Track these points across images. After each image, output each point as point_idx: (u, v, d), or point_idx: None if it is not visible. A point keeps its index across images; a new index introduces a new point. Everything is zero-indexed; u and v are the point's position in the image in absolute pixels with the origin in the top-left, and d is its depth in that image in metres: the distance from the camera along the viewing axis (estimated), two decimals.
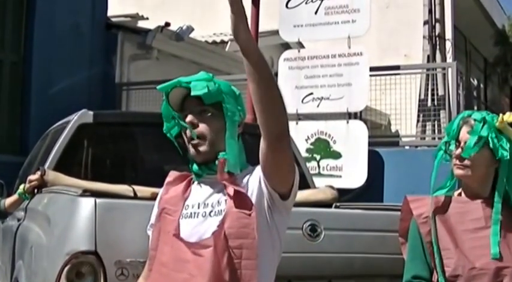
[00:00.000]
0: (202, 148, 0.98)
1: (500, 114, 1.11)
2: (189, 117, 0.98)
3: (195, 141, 0.98)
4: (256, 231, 0.93)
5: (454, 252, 1.06)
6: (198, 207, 0.99)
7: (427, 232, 1.09)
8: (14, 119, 4.22)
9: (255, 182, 0.97)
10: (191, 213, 0.99)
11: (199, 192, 1.01)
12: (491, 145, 1.08)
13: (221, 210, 0.96)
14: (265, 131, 0.90)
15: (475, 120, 1.12)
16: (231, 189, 0.96)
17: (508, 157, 1.09)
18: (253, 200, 0.96)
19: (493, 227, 1.07)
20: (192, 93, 0.97)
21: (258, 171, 0.97)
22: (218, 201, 0.98)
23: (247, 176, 0.99)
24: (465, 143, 1.10)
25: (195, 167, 1.01)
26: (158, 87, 1.01)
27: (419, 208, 1.11)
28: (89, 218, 1.34)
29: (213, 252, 0.92)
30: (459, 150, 1.11)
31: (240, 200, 0.96)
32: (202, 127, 0.98)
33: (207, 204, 0.99)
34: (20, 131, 4.21)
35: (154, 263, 0.99)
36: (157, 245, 0.99)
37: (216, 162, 0.97)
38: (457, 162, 1.10)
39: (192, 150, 0.99)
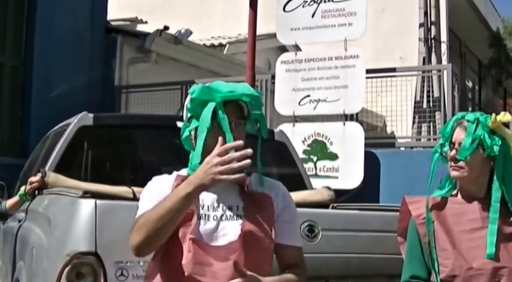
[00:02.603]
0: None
1: (493, 114, 1.12)
2: (235, 131, 0.98)
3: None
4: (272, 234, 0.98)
5: (452, 253, 1.07)
6: (208, 210, 1.00)
7: (425, 233, 1.10)
8: (14, 122, 4.24)
9: (278, 204, 1.01)
10: (204, 215, 0.99)
11: (209, 194, 1.01)
12: (484, 145, 1.09)
13: (238, 215, 0.98)
14: None
15: (468, 121, 1.12)
16: (250, 194, 0.99)
17: (501, 157, 1.09)
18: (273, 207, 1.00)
19: (489, 226, 1.07)
20: (253, 112, 1.00)
21: (280, 196, 1.02)
22: (231, 206, 0.99)
23: (262, 185, 1.02)
24: (459, 144, 1.11)
25: None
26: (222, 96, 0.97)
27: (417, 209, 1.13)
28: (89, 219, 1.35)
29: (239, 255, 0.94)
30: (453, 151, 1.12)
31: (259, 205, 0.99)
32: (239, 138, 0.98)
33: (217, 207, 1.00)
34: (20, 134, 4.22)
35: (165, 268, 0.97)
36: (167, 248, 0.97)
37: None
38: (452, 163, 1.11)
39: None
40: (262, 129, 1.03)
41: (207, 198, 1.02)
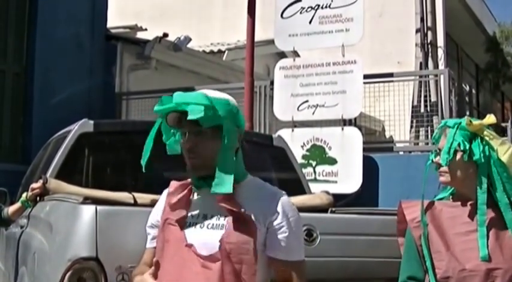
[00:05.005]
0: (198, 166, 1.01)
1: (466, 117, 1.14)
2: (188, 140, 1.00)
3: (192, 160, 1.01)
4: (256, 247, 0.97)
5: (445, 255, 1.08)
6: (198, 218, 1.01)
7: (419, 236, 1.11)
8: (16, 129, 4.27)
9: (262, 214, 0.99)
10: (190, 222, 1.01)
11: (199, 202, 1.03)
12: (462, 148, 1.11)
13: (222, 225, 0.99)
14: None
15: (449, 127, 1.16)
16: (230, 207, 0.99)
17: (482, 159, 1.11)
18: (255, 219, 0.99)
19: (479, 229, 1.09)
20: (189, 118, 0.98)
21: (272, 207, 0.99)
22: (218, 215, 1.00)
23: (255, 195, 1.02)
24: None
25: (194, 178, 1.03)
26: (156, 109, 1.02)
27: (412, 213, 1.15)
28: (90, 224, 1.37)
29: (221, 266, 0.95)
30: (437, 157, 1.15)
31: (240, 216, 0.98)
32: (199, 148, 1.00)
33: (206, 215, 1.01)
34: (22, 141, 4.24)
35: (161, 273, 0.99)
36: (161, 255, 1.01)
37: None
38: (439, 169, 1.15)
39: (189, 166, 1.02)
40: (223, 139, 0.99)
41: (197, 205, 1.03)
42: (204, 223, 1.00)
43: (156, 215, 1.08)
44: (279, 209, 1.02)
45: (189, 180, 1.07)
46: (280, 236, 1.01)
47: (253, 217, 1.00)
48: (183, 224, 1.01)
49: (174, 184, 1.07)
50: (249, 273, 0.97)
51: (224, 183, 0.99)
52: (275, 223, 1.01)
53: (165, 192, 1.10)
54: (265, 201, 1.02)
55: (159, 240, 1.03)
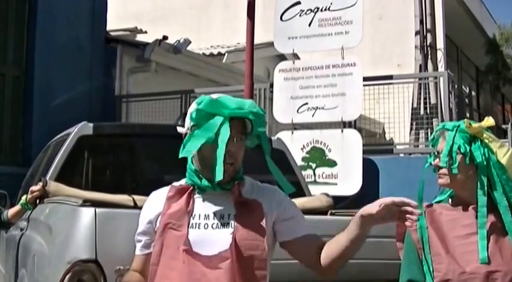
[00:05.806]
0: (232, 171, 1.02)
1: (465, 120, 1.15)
2: (234, 145, 1.01)
3: (230, 165, 1.01)
4: (266, 242, 0.98)
5: (445, 257, 1.09)
6: (199, 218, 1.01)
7: (418, 239, 1.13)
8: (16, 132, 4.29)
9: (269, 209, 1.02)
10: (193, 224, 1.00)
11: (201, 203, 1.03)
12: (462, 151, 1.12)
13: (228, 224, 0.99)
14: (328, 265, 1.02)
15: (447, 130, 1.16)
16: (241, 203, 1.00)
17: (483, 162, 1.11)
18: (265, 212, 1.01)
19: (479, 231, 1.09)
20: (258, 130, 1.03)
21: (274, 201, 1.03)
22: (222, 215, 1.00)
23: (255, 192, 1.04)
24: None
25: (205, 182, 1.02)
26: (228, 112, 1.01)
27: None
28: (89, 227, 1.37)
29: (231, 264, 0.95)
30: (437, 160, 1.16)
31: (250, 212, 0.99)
32: (237, 153, 1.03)
33: (209, 216, 1.01)
34: (22, 143, 4.26)
35: (157, 278, 0.99)
36: (159, 260, 1.00)
37: (231, 183, 1.01)
38: (438, 171, 1.15)
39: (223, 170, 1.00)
40: (264, 145, 1.06)
41: (198, 207, 1.03)
42: (208, 224, 1.00)
43: (148, 220, 1.06)
44: (280, 199, 1.06)
45: (186, 182, 1.06)
46: (289, 221, 1.04)
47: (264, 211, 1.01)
48: (186, 227, 1.00)
49: (173, 188, 1.06)
50: (260, 268, 0.98)
51: (288, 186, 1.06)
52: (281, 212, 1.04)
53: (156, 194, 1.08)
54: (267, 196, 1.04)
55: (157, 245, 1.02)
